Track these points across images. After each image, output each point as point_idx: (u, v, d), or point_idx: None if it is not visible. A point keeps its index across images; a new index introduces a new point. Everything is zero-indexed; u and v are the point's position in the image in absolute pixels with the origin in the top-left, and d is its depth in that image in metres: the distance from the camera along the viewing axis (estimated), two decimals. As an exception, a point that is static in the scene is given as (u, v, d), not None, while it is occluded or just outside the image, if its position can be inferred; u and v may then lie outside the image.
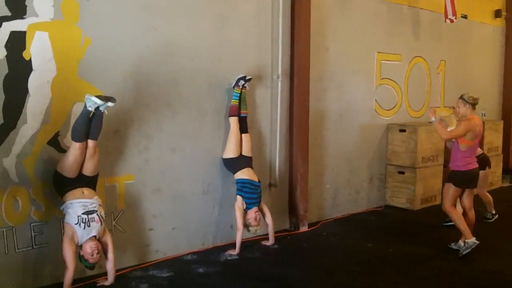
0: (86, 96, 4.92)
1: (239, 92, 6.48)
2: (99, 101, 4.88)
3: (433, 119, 6.53)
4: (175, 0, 6.04)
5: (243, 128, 6.59)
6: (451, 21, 9.49)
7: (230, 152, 6.50)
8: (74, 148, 5.02)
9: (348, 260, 6.29)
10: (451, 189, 6.53)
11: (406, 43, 9.34)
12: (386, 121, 9.05)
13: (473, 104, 6.45)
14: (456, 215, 6.56)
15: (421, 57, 9.70)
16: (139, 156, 5.88)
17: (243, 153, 6.57)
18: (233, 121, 6.50)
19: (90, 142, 5.11)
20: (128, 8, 5.66)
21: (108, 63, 5.51)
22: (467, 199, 6.69)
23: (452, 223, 7.19)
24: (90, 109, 4.92)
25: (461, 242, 6.55)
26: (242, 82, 6.46)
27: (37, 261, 5.20)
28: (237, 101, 6.49)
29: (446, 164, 9.37)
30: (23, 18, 4.91)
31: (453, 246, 6.67)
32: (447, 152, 9.31)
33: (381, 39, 8.82)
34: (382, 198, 9.12)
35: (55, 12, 5.10)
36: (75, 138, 5.02)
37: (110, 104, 4.97)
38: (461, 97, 6.55)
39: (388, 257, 6.45)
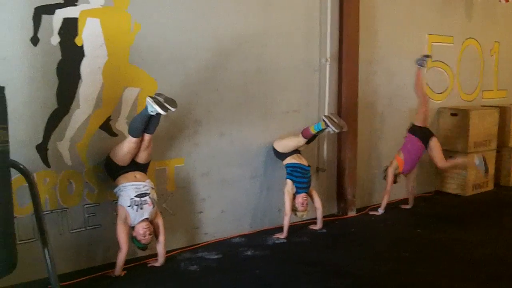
0: (147, 100, 4.90)
1: (323, 128, 6.32)
2: (161, 111, 4.86)
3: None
4: (223, -15, 6.06)
5: (309, 142, 6.56)
6: (506, 1, 9.19)
7: (282, 149, 6.49)
8: (130, 142, 5.10)
9: (397, 246, 6.21)
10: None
11: (458, 24, 9.06)
12: (437, 105, 8.84)
13: None
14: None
15: (474, 38, 9.41)
16: (189, 140, 5.95)
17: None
18: (303, 139, 6.42)
19: (146, 136, 5.17)
20: (177, -7, 5.70)
21: (157, 49, 5.57)
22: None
23: None
24: (151, 113, 4.94)
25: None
26: (330, 128, 6.27)
27: (90, 242, 5.37)
28: (317, 132, 6.38)
29: (499, 149, 9.16)
30: (75, 5, 5.00)
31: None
32: (500, 135, 9.11)
33: (433, 21, 8.58)
34: (432, 183, 8.94)
35: (106, -2, 5.19)
36: (132, 134, 5.08)
37: (171, 110, 4.95)
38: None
39: (438, 243, 6.33)
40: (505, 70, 10.20)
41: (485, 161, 7.23)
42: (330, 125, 6.23)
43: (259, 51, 6.44)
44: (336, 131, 6.32)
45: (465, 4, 9.14)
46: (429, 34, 8.52)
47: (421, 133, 7.43)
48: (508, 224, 7.13)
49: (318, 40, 7.00)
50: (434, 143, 7.43)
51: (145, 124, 5.07)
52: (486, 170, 7.31)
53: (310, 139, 6.49)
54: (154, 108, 4.87)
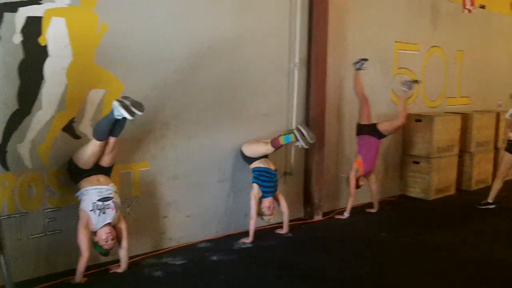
0: (114, 103, 4.78)
1: (292, 140, 6.28)
2: (128, 116, 4.76)
3: None
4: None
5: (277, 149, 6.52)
6: (469, 11, 9.42)
7: (250, 154, 6.45)
8: (94, 145, 4.97)
9: (363, 249, 6.26)
10: None
11: (424, 33, 9.23)
12: (403, 111, 8.96)
13: None
14: None
15: (439, 47, 9.58)
16: (155, 144, 5.85)
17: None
18: (272, 148, 6.36)
19: (111, 139, 5.05)
20: (146, -6, 5.61)
21: (125, 50, 5.46)
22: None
23: (489, 207, 8.17)
24: (117, 117, 4.83)
25: None
26: (299, 143, 6.22)
27: (50, 247, 5.19)
28: (285, 143, 6.37)
29: (461, 155, 9.34)
30: (39, 3, 4.84)
31: None
32: (462, 141, 9.29)
33: (399, 29, 8.71)
34: (397, 187, 9.06)
35: (72, -3, 5.05)
36: (97, 137, 4.96)
37: (138, 114, 4.85)
38: None
39: (404, 246, 6.40)
40: (467, 78, 10.43)
41: (409, 79, 7.73)
42: (300, 140, 6.21)
43: (229, 54, 6.39)
44: (305, 146, 6.32)
45: (431, 14, 9.33)
46: (396, 41, 8.64)
47: (370, 129, 7.59)
48: (471, 227, 7.28)
49: (287, 45, 7.00)
50: (383, 125, 7.60)
51: (111, 128, 4.95)
52: (415, 82, 7.75)
53: (279, 147, 6.48)
54: (120, 112, 4.76)
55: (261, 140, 6.57)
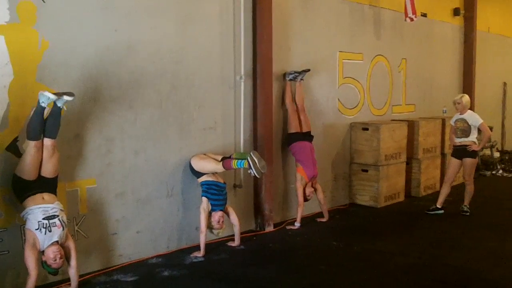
0: (39, 92, 4.75)
1: (246, 167, 6.29)
2: (52, 96, 4.70)
3: None
4: (136, 0, 5.98)
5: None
6: (411, 19, 9.62)
7: (199, 169, 6.45)
8: (30, 147, 4.90)
9: (314, 259, 6.32)
10: None
11: (368, 42, 9.45)
12: (349, 120, 9.13)
13: None
14: None
15: (383, 55, 9.82)
16: (101, 160, 5.80)
17: None
18: (222, 168, 6.37)
19: (48, 141, 4.98)
20: (88, 9, 5.57)
21: (67, 66, 5.42)
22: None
23: (437, 212, 8.42)
24: (43, 105, 4.75)
25: None
26: (252, 171, 6.25)
27: (-3, 269, 5.09)
28: (237, 168, 6.46)
29: (408, 161, 9.56)
30: (-23, 21, 4.79)
31: None
32: (409, 148, 9.52)
33: (343, 39, 8.90)
34: (347, 196, 9.20)
35: (11, 14, 4.97)
36: (30, 137, 4.89)
37: (66, 98, 4.80)
38: None
39: (355, 254, 6.51)
40: (412, 85, 10.70)
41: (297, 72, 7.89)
42: (253, 169, 6.24)
43: (174, 68, 6.40)
44: (257, 176, 6.37)
45: (374, 23, 9.55)
46: (340, 51, 8.81)
47: (299, 135, 7.80)
48: (420, 233, 7.46)
49: (232, 58, 7.06)
50: (302, 124, 7.86)
51: (42, 124, 4.88)
52: (307, 70, 7.90)
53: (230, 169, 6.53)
54: (46, 97, 4.71)
55: (211, 155, 6.60)
